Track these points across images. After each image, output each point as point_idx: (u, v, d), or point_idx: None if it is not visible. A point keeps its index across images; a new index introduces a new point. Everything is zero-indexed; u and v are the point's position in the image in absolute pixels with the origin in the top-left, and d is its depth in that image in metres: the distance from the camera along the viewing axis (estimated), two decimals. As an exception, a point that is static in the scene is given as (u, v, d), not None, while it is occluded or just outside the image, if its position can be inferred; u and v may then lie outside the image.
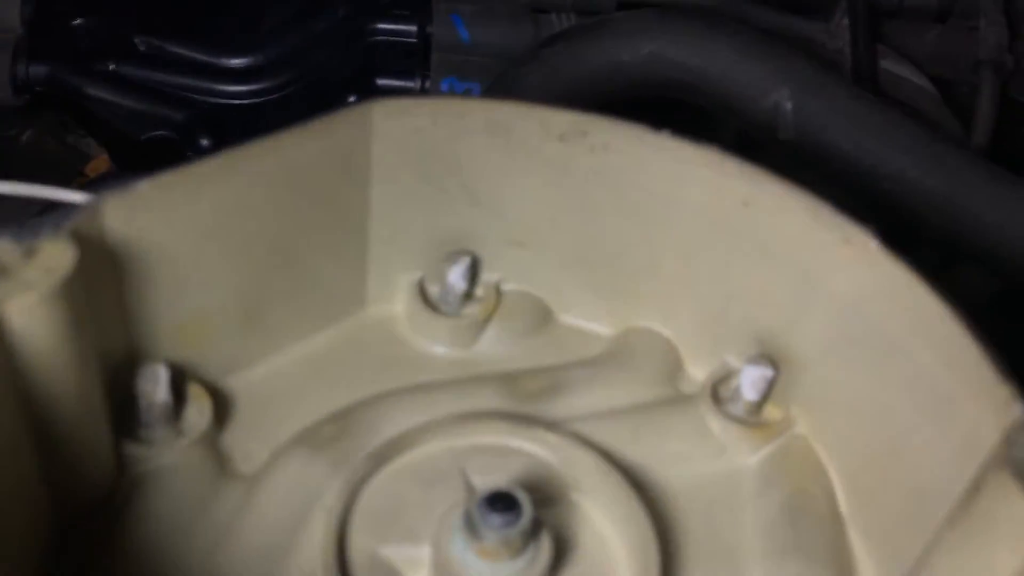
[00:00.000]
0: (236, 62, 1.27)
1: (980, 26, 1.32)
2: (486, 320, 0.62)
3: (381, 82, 1.27)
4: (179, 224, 0.49)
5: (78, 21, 1.25)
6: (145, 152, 1.25)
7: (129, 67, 1.25)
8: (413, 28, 1.27)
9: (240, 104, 1.26)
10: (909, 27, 1.44)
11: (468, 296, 0.62)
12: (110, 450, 0.49)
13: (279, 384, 0.57)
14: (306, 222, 0.55)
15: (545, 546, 0.47)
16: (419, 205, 0.60)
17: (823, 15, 1.33)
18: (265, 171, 0.51)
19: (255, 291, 0.55)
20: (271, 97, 1.26)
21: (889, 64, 1.37)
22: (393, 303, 0.63)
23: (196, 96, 1.25)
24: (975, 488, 0.42)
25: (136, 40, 1.25)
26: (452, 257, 0.61)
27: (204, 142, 1.24)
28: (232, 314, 0.54)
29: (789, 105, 0.96)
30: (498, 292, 0.63)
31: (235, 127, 1.24)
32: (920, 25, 1.43)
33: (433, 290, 0.63)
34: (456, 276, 0.61)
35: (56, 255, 0.41)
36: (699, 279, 0.59)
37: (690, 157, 0.55)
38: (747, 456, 0.57)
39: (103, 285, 0.46)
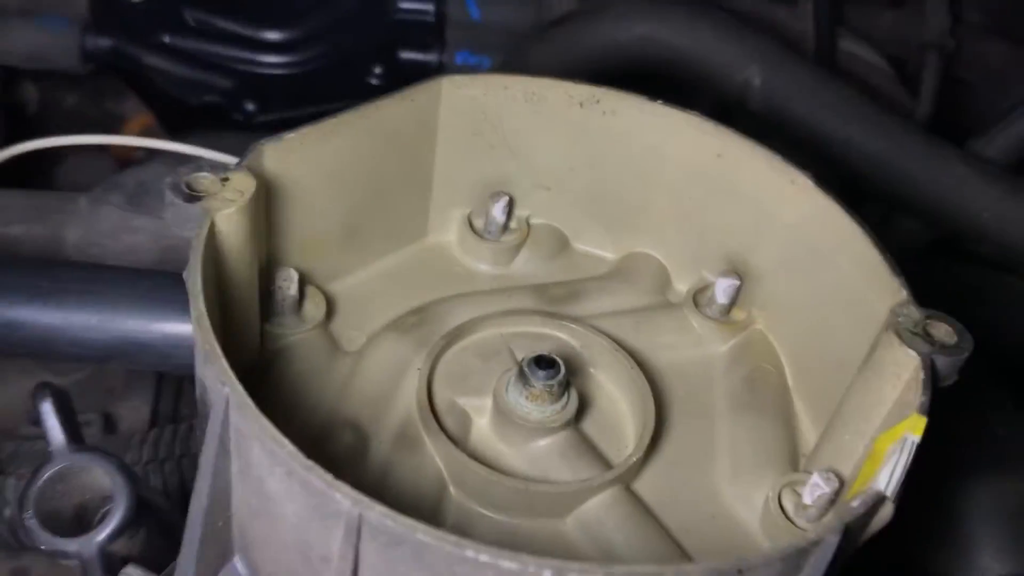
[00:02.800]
0: (275, 35, 1.43)
1: (926, 11, 1.51)
2: (519, 246, 0.81)
3: (403, 55, 1.44)
4: (311, 164, 0.67)
5: (136, -1, 1.40)
6: (195, 116, 1.42)
7: (181, 39, 1.40)
8: (430, 7, 1.44)
9: (280, 74, 1.42)
10: (867, 11, 1.62)
11: (505, 227, 0.81)
12: (257, 327, 0.67)
13: (368, 289, 0.76)
14: (391, 167, 0.74)
15: (574, 398, 0.66)
16: (470, 156, 0.78)
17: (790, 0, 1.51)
18: (368, 127, 0.69)
19: (354, 218, 0.73)
20: (307, 68, 1.42)
21: (848, 44, 1.57)
22: (447, 232, 0.81)
23: (240, 66, 1.41)
24: (872, 348, 0.61)
25: (187, 15, 1.41)
26: (494, 196, 0.79)
27: (249, 107, 1.40)
28: (338, 234, 0.73)
29: (758, 81, 1.15)
30: (528, 224, 0.82)
31: (277, 94, 1.41)
32: (877, 10, 1.62)
33: (478, 222, 0.81)
34: (497, 211, 0.79)
35: (243, 182, 0.59)
36: (683, 214, 0.78)
37: (677, 120, 0.74)
38: (719, 345, 0.76)
39: (260, 207, 0.64)
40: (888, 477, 0.50)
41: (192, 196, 0.57)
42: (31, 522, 0.56)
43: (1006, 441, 0.86)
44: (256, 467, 0.48)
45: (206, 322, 0.51)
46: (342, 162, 0.69)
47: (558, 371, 0.64)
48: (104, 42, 1.37)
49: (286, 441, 0.46)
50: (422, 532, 0.43)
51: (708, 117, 0.73)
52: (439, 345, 0.69)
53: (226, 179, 0.59)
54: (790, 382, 0.74)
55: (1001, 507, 0.82)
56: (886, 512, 0.51)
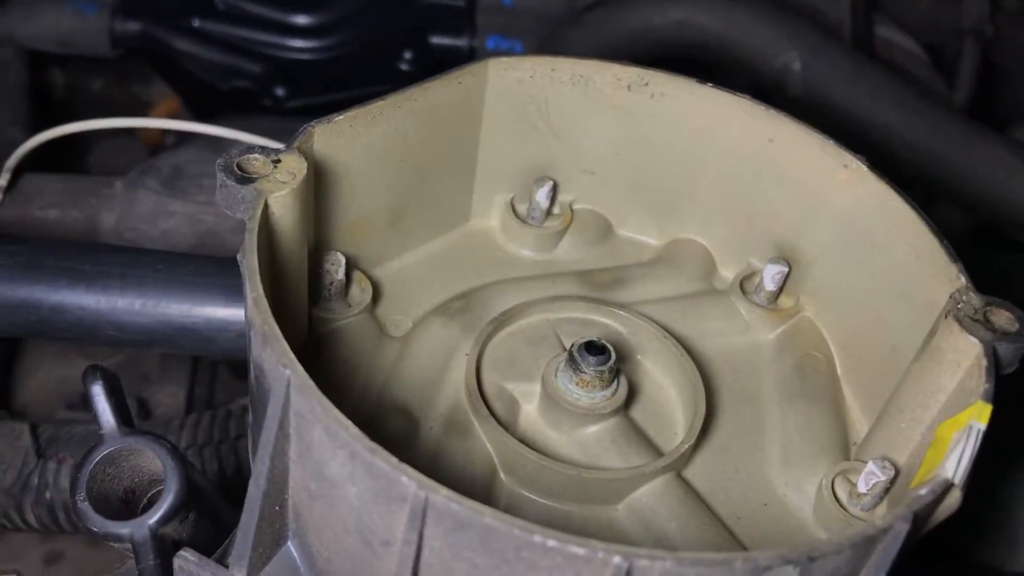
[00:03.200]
0: (304, 20, 1.42)
1: (963, -1, 1.49)
2: (563, 231, 0.80)
3: (434, 40, 1.43)
4: (359, 147, 0.66)
5: (165, -18, 1.40)
6: (224, 100, 1.41)
7: (211, 24, 1.40)
8: (462, -8, 1.43)
9: (310, 59, 1.41)
10: (905, -2, 1.61)
11: (549, 212, 0.80)
12: (306, 311, 0.67)
13: (412, 274, 0.75)
14: (436, 150, 0.73)
15: (624, 384, 0.65)
16: (514, 139, 0.77)
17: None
18: (415, 109, 0.68)
19: (399, 201, 0.72)
20: (337, 52, 1.42)
21: (884, 31, 1.55)
22: (490, 217, 0.80)
23: (270, 51, 1.40)
24: (930, 335, 0.60)
25: (216, -1, 1.40)
26: (538, 182, 0.79)
27: (279, 91, 1.40)
28: (383, 219, 0.72)
29: (798, 66, 1.13)
30: (572, 210, 0.81)
31: (307, 79, 1.40)
32: (915, -5, 1.60)
33: (521, 208, 0.80)
34: (541, 196, 0.78)
35: (294, 163, 0.59)
36: (730, 200, 0.77)
37: (728, 103, 0.73)
38: (767, 333, 0.75)
39: (309, 189, 0.63)
40: (955, 465, 0.50)
41: (245, 178, 0.56)
42: (83, 504, 0.56)
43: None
44: (317, 450, 0.48)
45: (264, 304, 0.50)
46: (389, 145, 0.68)
47: (609, 357, 0.63)
48: (133, 26, 1.37)
49: (349, 423, 0.45)
50: (490, 516, 0.43)
51: (760, 101, 0.72)
52: (486, 330, 0.68)
53: (278, 161, 0.58)
54: (840, 370, 0.73)
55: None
56: (953, 500, 0.50)
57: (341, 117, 0.64)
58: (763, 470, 0.67)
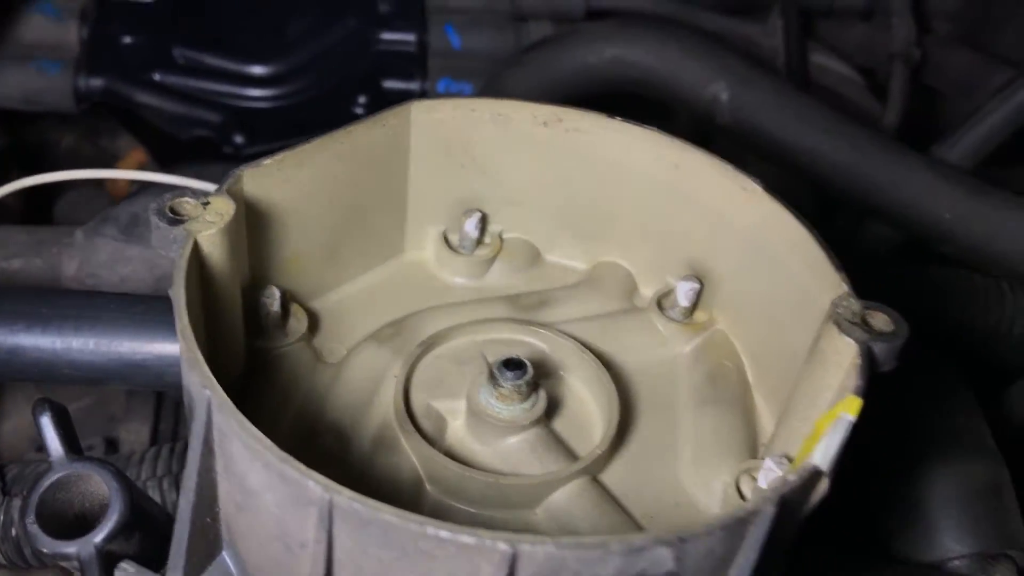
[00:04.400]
0: (260, 70, 1.48)
1: (892, 24, 1.56)
2: (492, 259, 0.85)
3: (386, 84, 1.49)
4: (289, 187, 0.71)
5: (126, 39, 1.46)
6: (187, 149, 1.47)
7: (171, 76, 1.46)
8: (412, 37, 1.49)
9: (267, 107, 1.47)
10: (839, 25, 1.68)
11: (479, 242, 0.85)
12: (242, 341, 0.71)
13: (349, 304, 0.80)
14: (367, 188, 0.78)
15: (542, 397, 0.70)
16: (443, 176, 0.83)
17: (762, 16, 1.57)
18: (343, 150, 0.74)
19: (333, 237, 0.78)
20: (294, 100, 1.48)
21: (820, 57, 1.62)
22: (424, 248, 0.86)
23: (229, 100, 1.46)
24: (816, 339, 0.65)
25: (175, 53, 1.46)
26: (467, 213, 0.84)
27: (238, 139, 1.45)
28: (319, 253, 0.77)
29: (725, 96, 1.19)
30: (500, 239, 0.86)
31: (264, 126, 1.46)
32: (848, 23, 1.68)
33: (453, 238, 0.85)
34: (470, 227, 0.84)
35: (223, 205, 0.64)
36: (646, 223, 0.83)
37: (636, 134, 0.78)
38: (683, 346, 0.80)
39: (240, 228, 0.68)
40: (823, 453, 0.54)
41: (175, 219, 0.62)
42: (33, 527, 0.60)
43: (965, 431, 0.90)
44: (238, 463, 0.52)
45: (189, 333, 0.55)
46: (319, 185, 0.73)
47: (525, 372, 0.68)
48: (96, 82, 1.42)
49: (263, 437, 0.50)
50: (387, 512, 0.47)
51: (663, 131, 0.78)
52: (415, 353, 0.73)
53: (207, 203, 0.63)
54: (750, 377, 0.78)
55: (960, 493, 0.86)
56: (822, 486, 0.54)
57: (269, 161, 0.69)
58: (675, 473, 0.71)
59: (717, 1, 1.57)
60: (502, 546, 0.47)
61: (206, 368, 0.53)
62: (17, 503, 0.92)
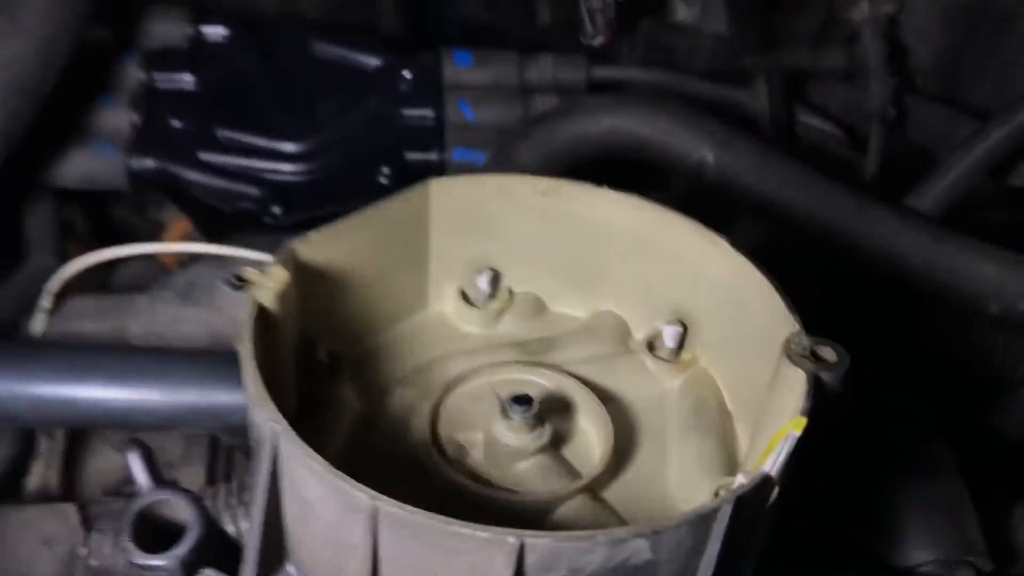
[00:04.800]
0: (296, 147, 1.62)
1: (869, 84, 1.70)
2: (503, 311, 0.98)
3: (408, 156, 1.63)
4: (330, 255, 0.85)
5: (174, 123, 1.61)
6: (229, 220, 1.61)
7: (215, 156, 1.60)
8: (430, 113, 1.64)
9: (302, 180, 1.62)
10: (823, 86, 1.82)
11: (491, 296, 0.98)
12: (294, 387, 0.84)
13: (381, 353, 0.93)
14: (394, 253, 0.92)
15: (548, 427, 0.83)
16: (458, 240, 0.96)
17: (749, 82, 1.71)
18: (374, 223, 0.88)
19: (367, 296, 0.91)
20: (325, 173, 1.62)
21: (806, 117, 1.77)
22: (444, 303, 0.99)
23: (267, 175, 1.60)
24: (775, 370, 0.78)
25: (218, 134, 1.61)
26: (480, 271, 0.97)
27: (276, 210, 1.59)
28: (355, 309, 0.91)
29: (711, 159, 1.33)
30: (510, 293, 0.99)
31: (300, 197, 1.60)
32: (832, 84, 1.82)
33: (469, 293, 0.99)
34: (483, 283, 0.97)
35: (279, 273, 0.77)
36: (634, 276, 0.96)
37: (621, 200, 0.92)
38: (671, 382, 0.92)
39: (292, 291, 0.82)
40: (772, 462, 0.66)
41: (240, 285, 0.75)
42: (128, 544, 0.73)
43: (928, 453, 1.01)
44: (298, 482, 0.65)
45: (258, 378, 0.69)
46: (355, 252, 0.87)
47: (532, 407, 0.80)
48: (148, 163, 1.56)
49: (319, 457, 0.63)
50: (420, 515, 0.60)
51: (643, 196, 0.91)
52: (438, 393, 0.86)
53: (265, 272, 0.77)
54: (729, 407, 0.90)
55: (925, 506, 0.97)
56: (771, 490, 0.67)
57: (314, 234, 0.83)
58: (666, 490, 0.84)
59: (708, 70, 1.72)
60: (511, 539, 0.59)
61: (273, 406, 0.66)
62: (96, 536, 1.06)
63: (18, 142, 1.29)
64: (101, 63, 1.59)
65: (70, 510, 1.07)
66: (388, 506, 0.61)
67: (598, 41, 1.41)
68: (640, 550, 0.61)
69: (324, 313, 0.88)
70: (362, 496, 0.61)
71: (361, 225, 0.87)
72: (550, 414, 0.84)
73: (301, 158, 1.61)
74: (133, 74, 1.61)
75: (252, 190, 1.58)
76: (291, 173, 1.61)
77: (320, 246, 0.84)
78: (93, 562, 1.04)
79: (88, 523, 1.06)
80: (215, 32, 1.68)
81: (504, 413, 0.81)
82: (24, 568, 1.05)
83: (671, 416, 0.90)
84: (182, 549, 0.72)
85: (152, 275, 1.48)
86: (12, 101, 1.26)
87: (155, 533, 0.77)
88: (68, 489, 1.14)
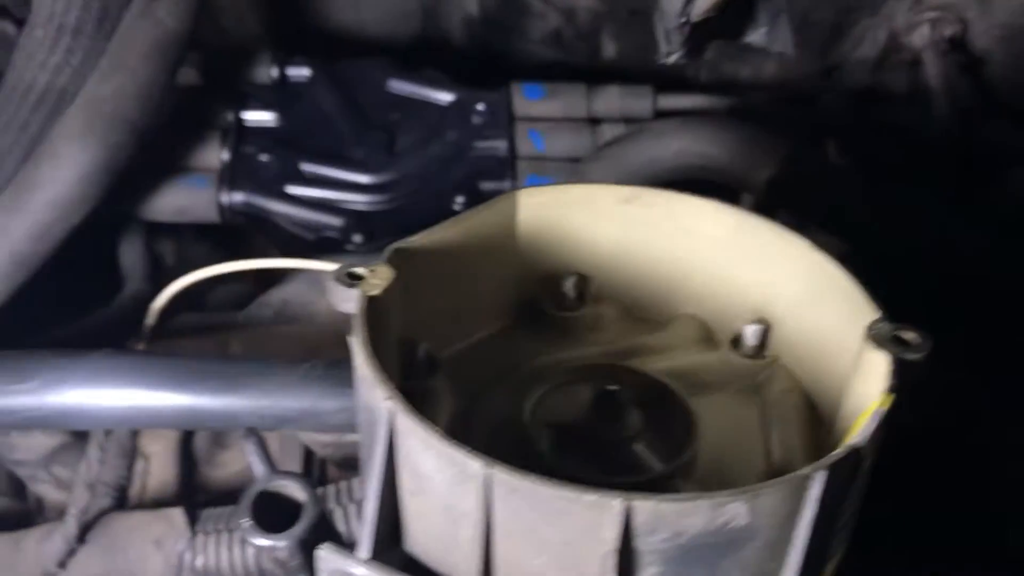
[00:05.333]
0: (375, 179, 1.70)
1: (933, 106, 1.73)
2: (588, 316, 1.02)
3: (481, 185, 1.70)
4: (425, 260, 0.91)
5: (261, 157, 1.70)
6: (313, 248, 1.69)
7: (299, 188, 1.69)
8: (503, 144, 1.71)
9: (381, 209, 1.69)
10: (888, 107, 1.85)
11: (577, 301, 1.03)
12: (396, 385, 0.89)
13: (472, 354, 0.98)
14: (485, 258, 0.97)
15: (639, 422, 0.86)
16: (544, 247, 1.01)
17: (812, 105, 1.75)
18: (464, 230, 0.93)
19: (462, 297, 0.96)
20: (403, 203, 1.69)
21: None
22: (533, 307, 1.03)
23: (348, 206, 1.68)
24: (858, 356, 0.81)
25: (303, 167, 1.70)
26: (565, 278, 1.02)
27: (357, 238, 1.67)
28: (445, 315, 0.96)
29: (774, 174, 1.37)
30: (595, 298, 1.04)
31: (379, 226, 1.68)
32: (897, 106, 1.85)
33: (556, 299, 1.03)
34: (569, 288, 1.02)
35: (385, 271, 0.83)
36: (714, 279, 0.99)
37: (700, 204, 0.96)
38: (755, 378, 0.96)
39: (395, 291, 0.87)
40: (861, 435, 0.70)
41: (351, 283, 0.81)
42: (248, 524, 0.78)
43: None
44: (414, 455, 0.70)
45: (372, 359, 0.74)
46: (445, 258, 0.93)
47: (623, 401, 0.85)
48: (237, 196, 1.65)
49: (436, 428, 0.68)
50: (532, 480, 0.64)
51: (724, 201, 0.96)
52: (532, 393, 0.90)
53: (373, 270, 0.83)
54: (812, 399, 0.93)
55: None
56: (861, 461, 0.70)
57: (415, 237, 0.89)
58: (749, 475, 0.87)
59: (771, 97, 1.76)
60: (617, 502, 0.63)
61: (390, 384, 0.71)
62: (201, 538, 1.11)
63: (120, 175, 1.38)
64: (194, 103, 1.69)
65: (177, 514, 1.13)
66: (502, 473, 0.65)
67: (672, 59, 1.46)
68: (739, 514, 0.64)
69: (422, 314, 0.93)
70: (476, 464, 0.66)
71: (452, 231, 0.93)
72: (640, 407, 0.88)
73: (380, 189, 1.69)
74: (223, 113, 1.71)
75: (334, 220, 1.66)
76: (370, 203, 1.68)
77: (415, 250, 0.90)
78: (199, 563, 1.10)
79: (193, 526, 1.12)
80: (298, 73, 1.78)
81: (596, 408, 0.85)
82: (135, 568, 1.11)
83: (756, 410, 0.93)
84: (300, 528, 0.77)
85: (242, 298, 1.55)
86: (115, 135, 1.35)
87: (270, 519, 0.82)
88: (175, 494, 1.21)
